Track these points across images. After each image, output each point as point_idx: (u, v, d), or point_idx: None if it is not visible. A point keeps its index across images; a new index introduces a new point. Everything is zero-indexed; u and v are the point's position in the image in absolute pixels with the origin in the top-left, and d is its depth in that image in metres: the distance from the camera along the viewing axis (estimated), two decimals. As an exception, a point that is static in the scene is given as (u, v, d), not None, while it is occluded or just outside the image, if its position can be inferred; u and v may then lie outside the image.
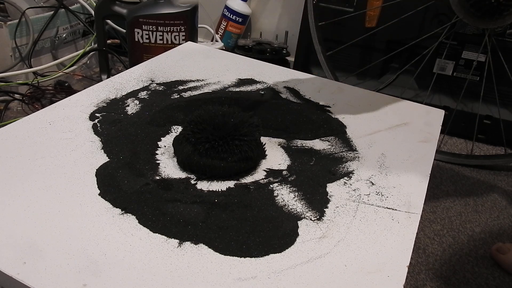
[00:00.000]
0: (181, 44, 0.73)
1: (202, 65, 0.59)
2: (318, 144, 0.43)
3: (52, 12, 0.93)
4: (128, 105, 0.47)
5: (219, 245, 0.31)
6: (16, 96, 0.84)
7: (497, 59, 1.12)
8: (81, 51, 0.96)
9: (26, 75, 0.88)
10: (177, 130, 0.44)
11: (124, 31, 0.95)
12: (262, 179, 0.38)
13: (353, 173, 0.40)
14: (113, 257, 0.29)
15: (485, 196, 1.08)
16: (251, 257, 0.30)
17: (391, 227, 0.34)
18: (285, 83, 0.56)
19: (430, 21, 1.18)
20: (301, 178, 0.38)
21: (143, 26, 0.78)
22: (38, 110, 0.50)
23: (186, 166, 0.38)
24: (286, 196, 0.36)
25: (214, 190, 0.36)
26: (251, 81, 0.56)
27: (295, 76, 0.59)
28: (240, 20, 1.48)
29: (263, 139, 0.42)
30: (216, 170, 0.37)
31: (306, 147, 0.43)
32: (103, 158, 0.38)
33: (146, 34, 0.79)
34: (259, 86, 0.55)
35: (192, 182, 0.37)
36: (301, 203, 0.36)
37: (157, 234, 0.31)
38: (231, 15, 1.47)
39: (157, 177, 0.37)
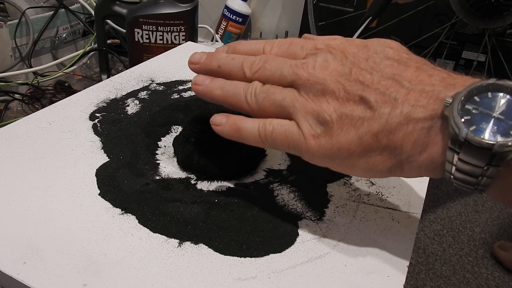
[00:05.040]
0: (181, 44, 0.73)
1: (202, 65, 0.59)
2: (318, 144, 0.43)
3: (52, 12, 0.93)
4: (128, 105, 0.47)
5: (219, 245, 0.31)
6: (16, 96, 0.84)
7: (497, 59, 1.12)
8: (81, 51, 0.96)
9: (26, 75, 0.88)
10: (177, 130, 0.44)
11: (124, 31, 0.95)
12: (262, 179, 0.38)
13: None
14: (113, 257, 0.29)
15: (485, 196, 1.08)
16: (251, 257, 0.30)
17: (391, 227, 0.34)
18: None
19: (430, 21, 1.18)
20: (301, 178, 0.38)
21: (143, 26, 0.78)
22: (38, 110, 0.50)
23: (186, 166, 0.38)
24: (286, 196, 0.36)
25: (214, 190, 0.36)
26: (251, 81, 0.56)
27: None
28: (240, 20, 1.48)
29: (263, 139, 0.42)
30: (216, 170, 0.37)
31: (306, 147, 0.43)
32: (103, 158, 0.38)
33: (146, 34, 0.79)
34: (259, 86, 0.55)
35: (192, 182, 0.37)
36: (301, 203, 0.36)
37: (157, 234, 0.31)
38: (231, 15, 1.47)
39: (157, 177, 0.37)
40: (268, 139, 0.31)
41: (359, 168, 0.29)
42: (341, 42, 0.31)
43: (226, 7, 1.47)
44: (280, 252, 0.31)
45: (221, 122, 0.33)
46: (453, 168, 0.25)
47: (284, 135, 0.30)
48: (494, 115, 0.24)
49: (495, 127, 0.24)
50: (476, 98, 0.25)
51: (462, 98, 0.25)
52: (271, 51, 0.34)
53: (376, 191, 0.38)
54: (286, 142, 0.30)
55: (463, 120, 0.24)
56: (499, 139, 0.23)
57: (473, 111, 0.25)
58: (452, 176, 0.26)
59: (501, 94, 0.25)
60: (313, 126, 0.29)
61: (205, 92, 0.34)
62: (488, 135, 0.24)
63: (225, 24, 1.48)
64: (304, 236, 0.32)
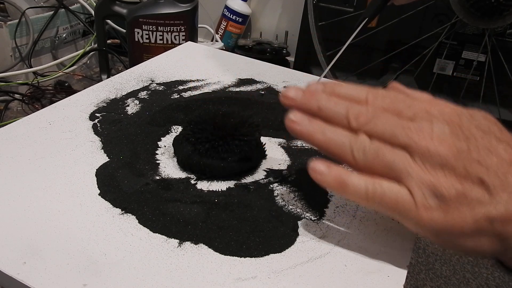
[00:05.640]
0: (181, 44, 0.73)
1: (202, 65, 0.59)
2: (318, 144, 0.43)
3: (52, 12, 0.93)
4: (128, 105, 0.47)
5: (219, 245, 0.31)
6: (16, 96, 0.84)
7: (497, 59, 1.12)
8: (81, 51, 0.96)
9: (26, 75, 0.88)
10: (177, 130, 0.44)
11: (124, 31, 0.95)
12: (262, 179, 0.38)
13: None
14: (113, 257, 0.29)
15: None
16: (251, 257, 0.30)
17: (391, 227, 0.34)
18: (285, 83, 0.56)
19: (430, 21, 1.18)
20: (301, 178, 0.38)
21: (143, 26, 0.78)
22: (38, 110, 0.50)
23: (186, 166, 0.38)
24: (286, 196, 0.36)
25: (214, 190, 0.36)
26: (251, 81, 0.56)
27: (295, 76, 0.59)
28: (240, 20, 1.48)
29: (263, 139, 0.42)
30: (216, 170, 0.37)
31: (306, 147, 0.43)
32: (103, 158, 0.38)
33: (146, 34, 0.79)
34: (259, 86, 0.55)
35: (192, 182, 0.37)
36: (301, 203, 0.36)
37: (157, 234, 0.31)
38: (231, 15, 1.47)
39: (157, 177, 0.37)
40: (376, 200, 0.29)
41: (463, 248, 0.29)
42: (453, 111, 0.31)
43: (226, 7, 1.47)
44: (280, 252, 0.31)
45: (323, 171, 0.30)
46: None
47: (395, 201, 0.29)
48: None
49: None
50: None
51: None
52: (374, 102, 0.32)
53: (376, 191, 0.38)
54: (395, 208, 0.29)
55: None
56: None
57: None
58: None
59: None
60: (428, 197, 0.28)
61: (305, 134, 0.31)
62: None
63: (225, 24, 1.48)
64: (304, 236, 0.32)
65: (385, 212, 0.30)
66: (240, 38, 1.52)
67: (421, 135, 0.29)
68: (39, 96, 0.85)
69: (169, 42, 0.81)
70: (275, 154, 0.42)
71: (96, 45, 0.90)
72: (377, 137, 0.30)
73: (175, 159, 0.39)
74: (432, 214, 0.28)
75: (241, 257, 0.30)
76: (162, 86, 0.52)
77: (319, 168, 0.31)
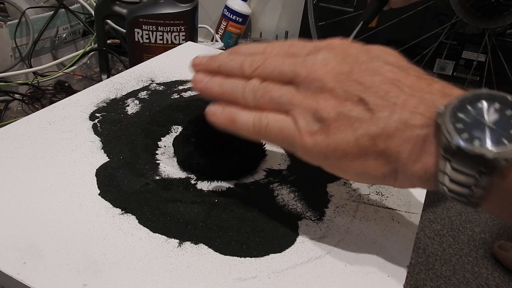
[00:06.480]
0: (181, 44, 0.73)
1: (202, 65, 0.59)
2: (318, 144, 0.43)
3: (52, 12, 0.93)
4: (128, 105, 0.47)
5: (219, 245, 0.31)
6: (16, 96, 0.84)
7: (497, 59, 1.12)
8: (81, 51, 0.96)
9: (26, 75, 0.88)
10: (177, 130, 0.44)
11: (124, 31, 0.95)
12: (262, 179, 0.38)
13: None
14: (113, 257, 0.29)
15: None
16: (251, 257, 0.30)
17: (391, 227, 0.34)
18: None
19: (430, 21, 1.18)
20: (301, 178, 0.38)
21: (143, 26, 0.78)
22: (38, 110, 0.50)
23: (186, 166, 0.38)
24: (286, 196, 0.36)
25: (214, 190, 0.36)
26: (251, 81, 0.56)
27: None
28: (240, 20, 1.48)
29: (263, 139, 0.42)
30: (216, 170, 0.37)
31: (306, 147, 0.43)
32: (103, 158, 0.38)
33: (146, 34, 0.79)
34: (259, 86, 0.55)
35: (192, 182, 0.37)
36: (301, 203, 0.36)
37: (157, 234, 0.31)
38: (231, 15, 1.47)
39: (157, 177, 0.37)
40: (262, 132, 0.30)
41: (353, 172, 0.28)
42: (342, 42, 0.31)
43: (226, 7, 1.47)
44: (280, 252, 0.31)
45: (216, 111, 0.32)
46: (446, 178, 0.25)
47: (279, 129, 0.30)
48: (486, 123, 0.24)
49: (487, 135, 0.24)
50: (469, 107, 0.25)
51: (455, 106, 0.25)
52: (271, 51, 0.33)
53: (376, 191, 0.38)
54: (281, 137, 0.30)
55: (455, 128, 0.24)
56: (491, 146, 0.23)
57: (466, 120, 0.24)
58: (446, 188, 0.25)
59: (494, 103, 0.25)
60: (310, 123, 0.28)
61: (203, 89, 0.34)
62: (480, 142, 0.24)
63: (225, 24, 1.48)
64: (304, 236, 0.32)
65: (275, 143, 0.31)
66: (240, 38, 1.52)
67: (304, 65, 0.30)
68: (39, 96, 0.85)
69: (169, 42, 0.81)
70: (275, 154, 0.42)
71: (96, 45, 0.90)
72: (268, 79, 0.31)
73: (175, 159, 0.39)
74: (315, 138, 0.28)
75: (241, 257, 0.30)
76: (162, 86, 0.52)
77: (213, 109, 0.33)
